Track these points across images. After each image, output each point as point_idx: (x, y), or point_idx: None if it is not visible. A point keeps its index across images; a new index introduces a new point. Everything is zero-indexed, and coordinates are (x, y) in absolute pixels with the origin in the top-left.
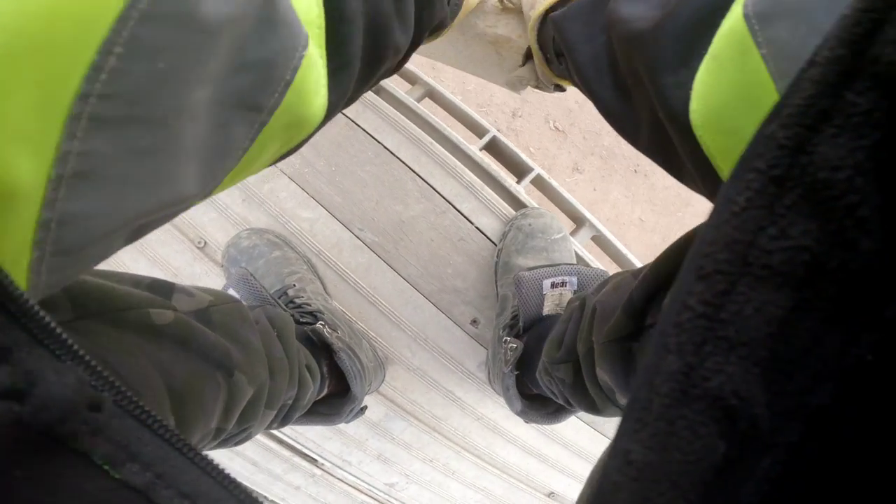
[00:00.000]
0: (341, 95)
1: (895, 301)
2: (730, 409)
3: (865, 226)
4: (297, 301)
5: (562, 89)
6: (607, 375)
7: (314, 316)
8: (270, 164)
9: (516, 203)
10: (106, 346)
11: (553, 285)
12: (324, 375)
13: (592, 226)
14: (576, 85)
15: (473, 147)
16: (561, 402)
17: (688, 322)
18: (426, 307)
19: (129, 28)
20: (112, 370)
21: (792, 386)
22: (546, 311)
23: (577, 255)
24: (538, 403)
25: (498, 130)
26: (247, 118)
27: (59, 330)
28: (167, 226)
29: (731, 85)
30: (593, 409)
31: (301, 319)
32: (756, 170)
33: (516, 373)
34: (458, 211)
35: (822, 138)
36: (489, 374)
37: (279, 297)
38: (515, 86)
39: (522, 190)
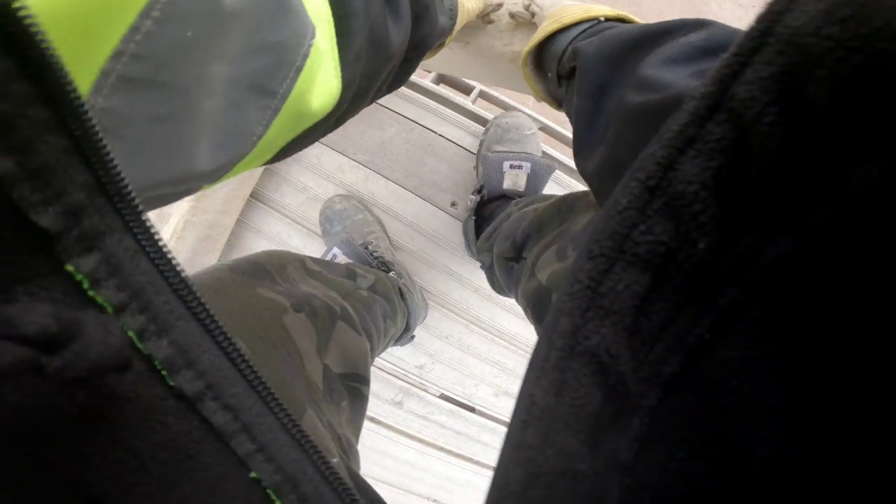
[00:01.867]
0: (350, 84)
1: (723, 293)
2: (602, 364)
3: (703, 229)
4: (375, 254)
5: None
6: (499, 275)
7: (387, 266)
8: (280, 154)
9: (466, 112)
10: (360, 314)
11: (511, 166)
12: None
13: (537, 119)
14: (568, 113)
15: (425, 80)
16: None
17: (577, 293)
18: (413, 200)
19: None
20: (366, 328)
21: (652, 356)
22: (505, 185)
23: (544, 152)
24: None
25: None
26: (260, 102)
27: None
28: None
29: None
30: (497, 290)
31: (380, 267)
32: (637, 179)
33: (473, 218)
34: (423, 126)
35: (686, 158)
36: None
37: (364, 249)
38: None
39: (470, 102)
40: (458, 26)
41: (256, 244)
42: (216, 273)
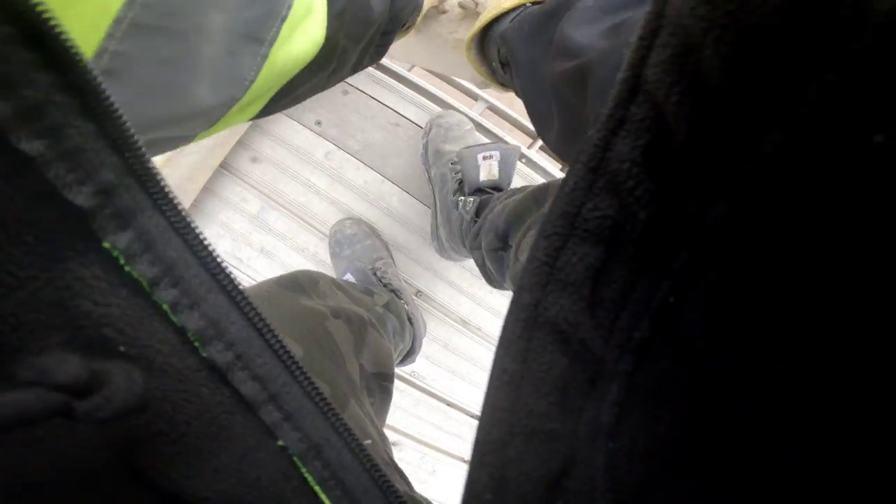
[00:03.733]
0: (333, 38)
1: (675, 258)
2: (562, 332)
3: (640, 202)
4: (383, 280)
5: None
6: (490, 267)
7: (395, 294)
8: (272, 105)
9: None
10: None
11: (484, 158)
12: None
13: (485, 100)
14: (518, 96)
15: None
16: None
17: (536, 269)
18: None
19: None
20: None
21: (620, 323)
22: (482, 178)
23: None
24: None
25: None
26: (251, 49)
27: (176, 201)
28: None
29: None
30: (492, 284)
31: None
32: (581, 162)
33: (476, 219)
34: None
35: (618, 140)
36: (441, 243)
37: (372, 275)
38: (481, 84)
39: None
40: (424, 8)
41: (217, 208)
42: (265, 286)
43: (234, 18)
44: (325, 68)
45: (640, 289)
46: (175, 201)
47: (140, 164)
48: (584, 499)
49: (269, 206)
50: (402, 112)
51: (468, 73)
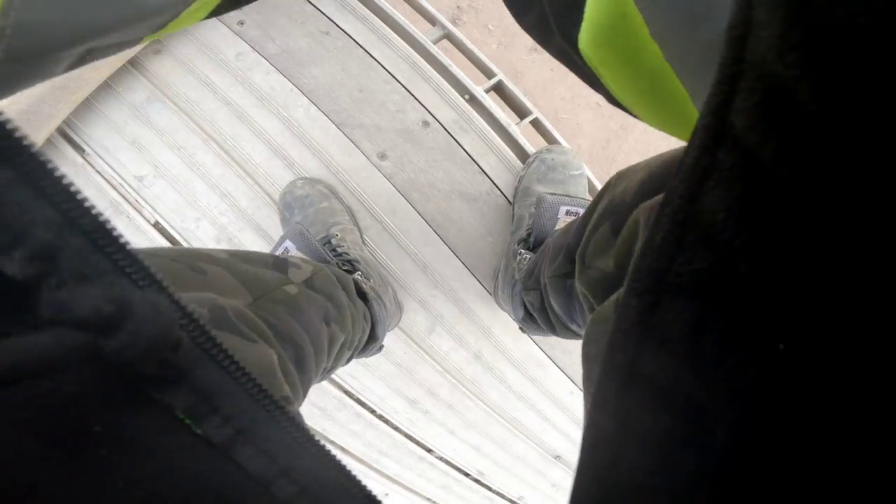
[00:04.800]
0: None
1: (785, 307)
2: (663, 388)
3: (740, 254)
4: (339, 250)
5: None
6: (554, 303)
7: (352, 265)
8: (218, 9)
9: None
10: (279, 318)
11: (567, 213)
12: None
13: (443, 26)
14: None
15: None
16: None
17: (628, 328)
18: None
19: None
20: (287, 335)
21: (721, 373)
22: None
23: (591, 186)
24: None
25: (458, 7)
26: None
27: (141, 256)
28: (239, 174)
29: None
30: (552, 330)
31: (342, 267)
32: (667, 216)
33: (527, 282)
34: (367, 52)
35: (707, 190)
36: (496, 284)
37: (324, 244)
38: None
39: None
40: None
41: (115, 113)
42: None
43: None
44: None
45: (744, 339)
46: (143, 261)
47: (87, 218)
48: None
49: (156, 97)
50: (337, 21)
51: None
